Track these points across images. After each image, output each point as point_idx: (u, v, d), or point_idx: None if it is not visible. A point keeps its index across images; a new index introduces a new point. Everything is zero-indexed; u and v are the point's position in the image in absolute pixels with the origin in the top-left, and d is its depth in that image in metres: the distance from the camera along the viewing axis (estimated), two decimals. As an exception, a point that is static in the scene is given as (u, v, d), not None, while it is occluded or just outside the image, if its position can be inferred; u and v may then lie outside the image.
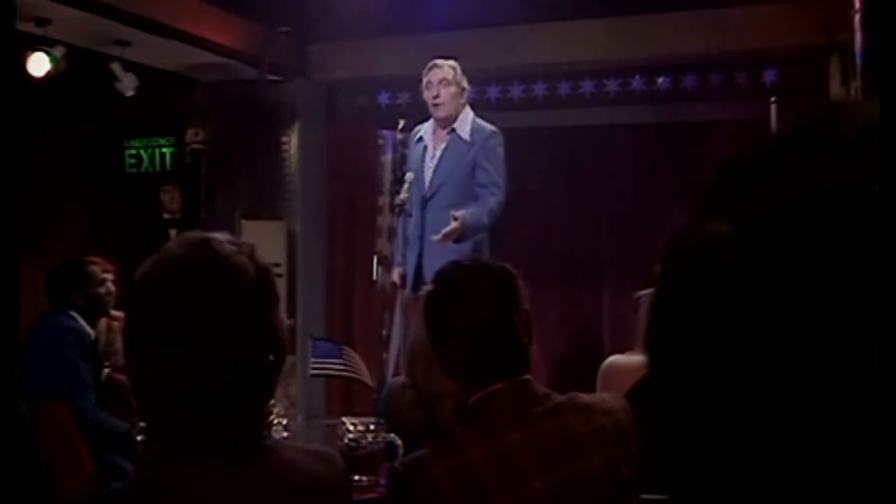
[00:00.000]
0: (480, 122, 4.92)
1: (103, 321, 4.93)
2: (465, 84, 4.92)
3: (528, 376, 1.95)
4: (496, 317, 1.92)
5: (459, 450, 1.84)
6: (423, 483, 1.81)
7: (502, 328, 1.92)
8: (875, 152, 0.47)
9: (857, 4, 4.47)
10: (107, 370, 4.79)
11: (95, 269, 4.76)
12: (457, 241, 4.54)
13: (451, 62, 4.95)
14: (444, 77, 4.88)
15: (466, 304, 1.92)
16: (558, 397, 1.94)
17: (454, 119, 4.92)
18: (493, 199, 4.74)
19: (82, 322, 4.62)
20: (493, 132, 4.87)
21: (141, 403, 1.48)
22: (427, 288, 2.03)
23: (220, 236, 1.47)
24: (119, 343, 4.82)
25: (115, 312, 4.76)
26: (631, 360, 3.70)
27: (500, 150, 4.87)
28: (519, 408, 1.89)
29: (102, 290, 4.72)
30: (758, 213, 0.49)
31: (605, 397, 2.10)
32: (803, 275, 0.46)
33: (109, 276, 4.82)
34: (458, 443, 1.87)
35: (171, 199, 7.43)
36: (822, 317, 0.45)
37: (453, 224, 4.50)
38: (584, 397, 1.97)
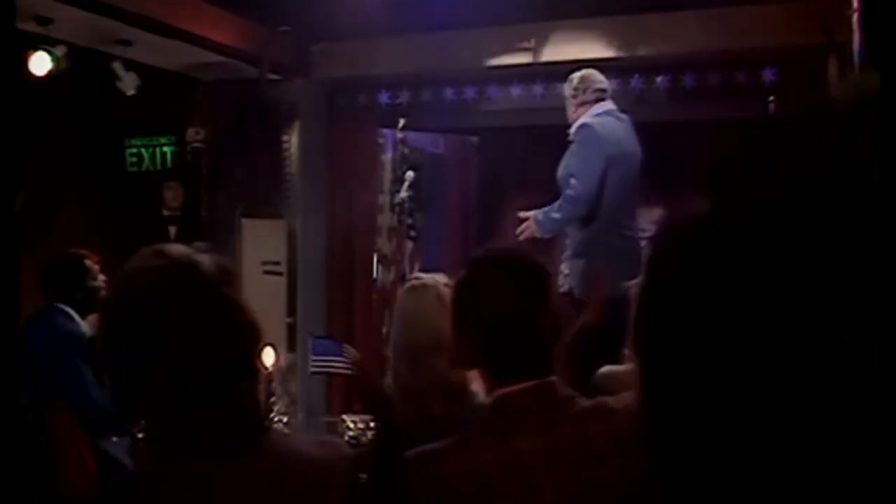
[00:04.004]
0: (584, 119, 5.20)
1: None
2: (571, 92, 5.29)
3: (552, 378, 1.90)
4: (521, 312, 1.87)
5: (473, 449, 1.82)
6: (433, 477, 1.80)
7: (526, 324, 1.87)
8: (866, 141, 0.47)
9: (856, 4, 4.47)
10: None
11: (91, 262, 4.77)
12: (535, 238, 5.09)
13: (571, 77, 5.33)
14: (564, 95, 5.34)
15: (494, 294, 1.88)
16: (583, 402, 1.89)
17: (571, 126, 5.28)
18: (568, 192, 5.07)
19: (78, 319, 4.62)
20: (581, 125, 5.17)
21: (132, 407, 1.51)
22: (460, 273, 1.97)
23: (173, 245, 1.53)
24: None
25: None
26: (627, 370, 3.68)
27: (584, 141, 5.13)
28: (540, 412, 1.84)
29: (98, 283, 4.74)
30: (742, 195, 0.49)
31: (633, 402, 2.01)
32: (785, 253, 0.46)
33: (97, 268, 4.85)
34: (473, 441, 1.84)
35: (173, 195, 7.44)
36: (801, 291, 0.46)
37: (526, 220, 5.12)
38: (612, 403, 1.90)
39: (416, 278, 2.96)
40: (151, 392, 1.44)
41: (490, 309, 1.87)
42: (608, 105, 5.21)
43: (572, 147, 5.13)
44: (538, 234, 5.13)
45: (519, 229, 5.20)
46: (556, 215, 5.08)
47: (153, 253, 1.50)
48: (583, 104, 5.21)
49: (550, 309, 1.92)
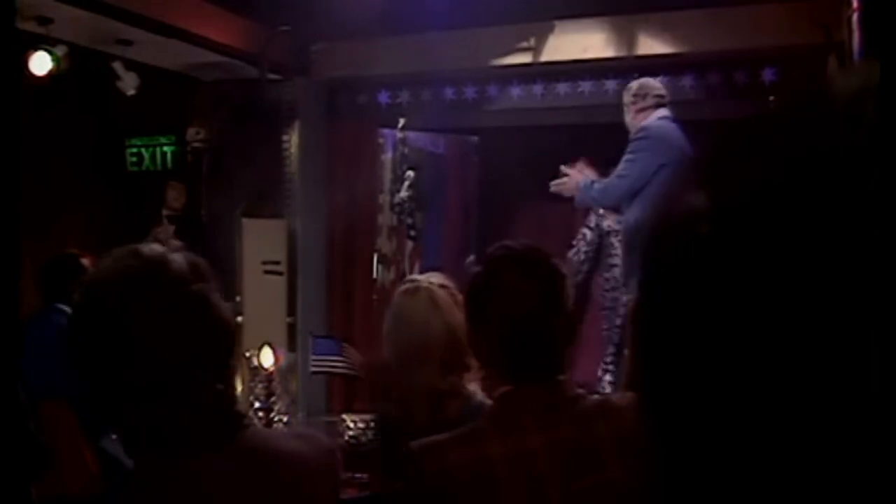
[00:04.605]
0: (645, 122, 5.28)
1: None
2: (631, 99, 5.35)
3: (562, 377, 1.90)
4: (536, 312, 1.86)
5: (479, 442, 1.82)
6: (437, 468, 1.80)
7: (541, 325, 1.86)
8: (865, 123, 0.45)
9: (855, 3, 4.48)
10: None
11: (87, 262, 4.79)
12: (571, 197, 5.37)
13: (630, 85, 5.43)
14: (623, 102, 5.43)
15: (508, 293, 1.86)
16: (590, 401, 1.90)
17: (630, 131, 5.36)
18: (605, 180, 5.28)
19: None
20: (641, 128, 5.26)
21: (111, 413, 1.51)
22: (475, 269, 1.96)
23: (147, 245, 1.52)
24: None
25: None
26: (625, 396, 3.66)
27: (639, 141, 5.19)
28: (548, 410, 1.84)
29: None
30: (738, 182, 0.48)
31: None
32: (783, 245, 0.45)
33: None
34: (480, 435, 1.84)
35: (176, 195, 7.43)
36: (800, 284, 0.44)
37: (567, 176, 5.32)
38: (617, 400, 1.92)
39: (411, 280, 2.95)
40: (124, 392, 1.44)
41: (503, 308, 1.86)
42: (666, 111, 5.29)
43: (628, 146, 5.22)
44: (571, 194, 5.32)
45: (557, 182, 5.33)
46: (595, 193, 5.26)
47: (127, 253, 1.49)
48: (642, 110, 5.30)
49: (564, 309, 1.91)
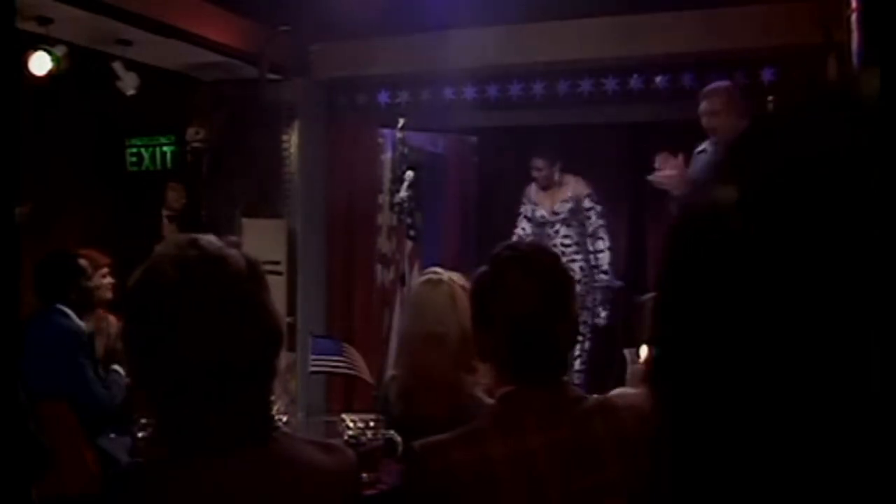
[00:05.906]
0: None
1: (107, 316, 4.98)
2: (732, 102, 5.26)
3: (564, 378, 1.92)
4: (540, 313, 1.87)
5: (481, 442, 1.83)
6: (440, 467, 1.81)
7: (545, 326, 1.87)
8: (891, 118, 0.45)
9: (854, 3, 4.48)
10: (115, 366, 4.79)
11: (84, 262, 4.79)
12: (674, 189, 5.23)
13: (721, 90, 5.33)
14: (711, 109, 5.32)
15: (512, 294, 1.87)
16: (590, 402, 1.91)
17: (727, 132, 5.30)
18: None
19: (75, 318, 4.63)
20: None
21: (146, 401, 1.50)
22: (481, 269, 1.97)
23: (207, 236, 1.51)
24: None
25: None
26: (638, 393, 3.65)
27: None
28: (550, 411, 1.85)
29: (91, 283, 4.76)
30: (766, 177, 0.47)
31: (637, 402, 1.97)
32: (812, 240, 0.44)
33: (105, 270, 4.88)
34: (481, 434, 1.85)
35: (177, 196, 7.43)
36: (830, 282, 0.44)
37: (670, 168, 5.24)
38: (617, 401, 1.92)
39: (434, 272, 2.94)
40: (161, 385, 1.43)
41: (507, 308, 1.87)
42: None
43: None
44: (674, 189, 5.21)
45: (660, 174, 5.30)
46: None
47: (186, 242, 1.48)
48: (745, 113, 5.27)
49: (570, 311, 1.91)
